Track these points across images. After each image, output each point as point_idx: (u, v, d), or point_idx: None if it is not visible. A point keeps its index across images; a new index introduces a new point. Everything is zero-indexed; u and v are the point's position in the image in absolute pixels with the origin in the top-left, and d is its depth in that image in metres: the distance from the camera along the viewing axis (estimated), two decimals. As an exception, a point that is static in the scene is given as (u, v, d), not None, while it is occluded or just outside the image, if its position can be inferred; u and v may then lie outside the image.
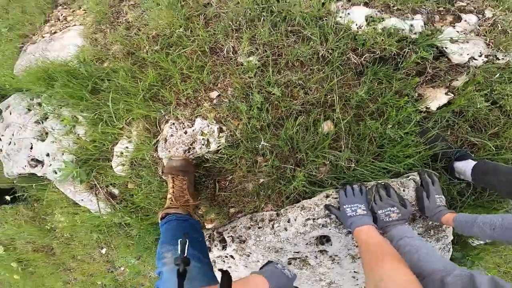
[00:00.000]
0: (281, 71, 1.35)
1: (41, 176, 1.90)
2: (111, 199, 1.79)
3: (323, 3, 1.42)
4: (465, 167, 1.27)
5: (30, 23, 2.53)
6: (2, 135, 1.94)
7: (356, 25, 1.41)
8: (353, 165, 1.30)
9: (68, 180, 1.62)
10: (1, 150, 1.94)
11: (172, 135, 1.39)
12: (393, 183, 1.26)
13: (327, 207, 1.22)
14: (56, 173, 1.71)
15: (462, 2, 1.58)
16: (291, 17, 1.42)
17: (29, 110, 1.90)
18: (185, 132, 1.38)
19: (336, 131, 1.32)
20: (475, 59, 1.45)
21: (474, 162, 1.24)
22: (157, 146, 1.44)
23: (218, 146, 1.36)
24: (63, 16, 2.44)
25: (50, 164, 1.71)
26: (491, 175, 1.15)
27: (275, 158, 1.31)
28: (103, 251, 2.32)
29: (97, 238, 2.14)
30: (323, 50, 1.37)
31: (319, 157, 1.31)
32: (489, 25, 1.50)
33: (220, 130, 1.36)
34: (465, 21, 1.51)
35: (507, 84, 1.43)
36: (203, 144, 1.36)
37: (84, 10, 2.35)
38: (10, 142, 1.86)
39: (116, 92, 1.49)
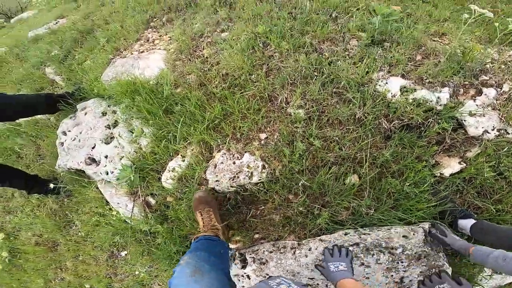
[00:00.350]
0: (322, 126, 1.81)
1: (88, 175, 2.35)
2: (146, 207, 2.21)
3: (367, 72, 1.86)
4: (467, 225, 1.72)
5: (124, 38, 3.10)
6: (69, 131, 2.45)
7: (391, 93, 1.87)
8: (372, 211, 1.72)
9: (121, 182, 2.07)
10: (63, 144, 2.42)
11: (222, 163, 1.85)
12: (404, 228, 1.70)
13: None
14: (107, 174, 2.18)
15: (486, 76, 2.01)
16: (338, 80, 1.89)
17: (103, 115, 2.44)
18: (234, 163, 1.84)
19: (361, 183, 1.74)
20: (488, 133, 1.90)
21: (472, 221, 1.70)
22: (206, 169, 1.89)
23: (259, 180, 1.81)
24: (152, 39, 3.03)
25: (105, 165, 2.18)
26: (490, 235, 1.59)
27: (306, 198, 1.74)
28: (123, 253, 2.70)
29: (116, 242, 2.51)
30: (360, 113, 1.82)
31: (344, 201, 1.74)
32: (505, 99, 1.94)
33: (263, 167, 1.81)
34: (485, 95, 1.96)
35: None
36: (247, 176, 1.82)
37: (170, 37, 2.93)
38: (75, 138, 2.36)
39: (185, 116, 2.01)
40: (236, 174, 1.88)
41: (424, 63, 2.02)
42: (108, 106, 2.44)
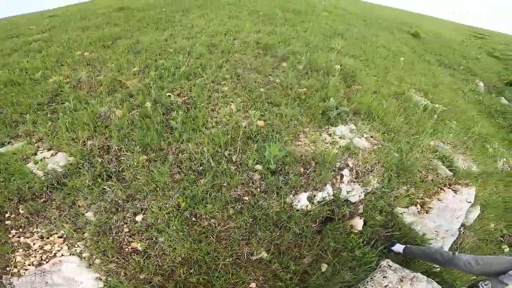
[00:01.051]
0: (285, 253, 2.63)
1: None
2: None
3: (285, 201, 2.82)
4: (397, 249, 3.26)
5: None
6: None
7: (306, 206, 2.88)
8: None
9: None
10: None
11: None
12: (377, 276, 2.72)
13: None
14: None
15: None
16: (271, 217, 2.75)
17: None
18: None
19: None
20: (360, 196, 3.31)
21: (401, 246, 3.22)
22: None
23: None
24: (37, 246, 2.72)
25: None
26: (419, 256, 3.07)
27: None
28: None
29: None
30: (298, 230, 2.74)
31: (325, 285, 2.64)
32: (354, 173, 3.31)
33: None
34: (345, 175, 3.41)
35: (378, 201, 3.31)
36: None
37: (62, 237, 2.70)
38: None
39: None
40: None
41: (308, 172, 3.19)
42: None
